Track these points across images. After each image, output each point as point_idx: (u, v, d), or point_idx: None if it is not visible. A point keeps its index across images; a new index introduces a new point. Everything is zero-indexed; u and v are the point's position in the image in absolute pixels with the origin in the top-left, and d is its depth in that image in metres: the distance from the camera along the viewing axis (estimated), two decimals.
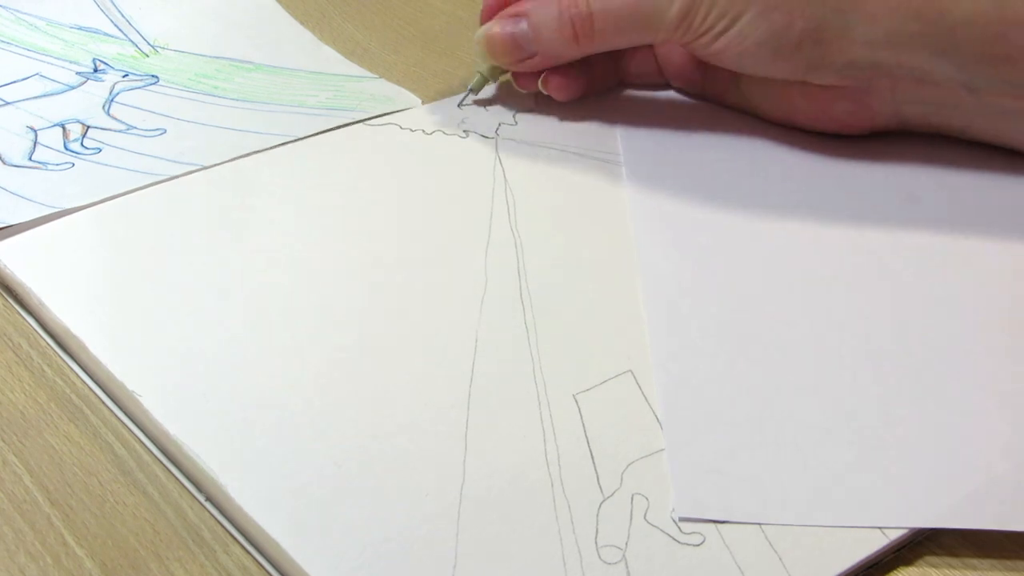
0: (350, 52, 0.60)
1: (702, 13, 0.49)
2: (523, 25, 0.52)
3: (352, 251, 0.47)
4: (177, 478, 0.39)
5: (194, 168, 0.49)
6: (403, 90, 0.57)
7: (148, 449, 0.40)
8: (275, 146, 0.51)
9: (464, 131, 0.54)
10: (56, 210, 0.47)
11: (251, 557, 0.37)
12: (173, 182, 0.49)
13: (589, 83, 0.55)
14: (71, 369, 0.43)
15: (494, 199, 0.50)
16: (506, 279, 0.46)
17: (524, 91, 0.55)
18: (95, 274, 0.45)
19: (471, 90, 0.55)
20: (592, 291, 0.46)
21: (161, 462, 0.40)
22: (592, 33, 0.51)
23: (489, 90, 0.57)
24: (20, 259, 0.45)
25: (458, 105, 0.55)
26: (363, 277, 0.46)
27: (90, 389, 0.42)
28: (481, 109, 0.56)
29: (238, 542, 0.38)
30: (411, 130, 0.54)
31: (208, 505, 0.39)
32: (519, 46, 0.52)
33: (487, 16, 0.53)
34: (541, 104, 0.56)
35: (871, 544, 0.38)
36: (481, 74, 0.55)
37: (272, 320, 0.44)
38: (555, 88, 0.54)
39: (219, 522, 0.38)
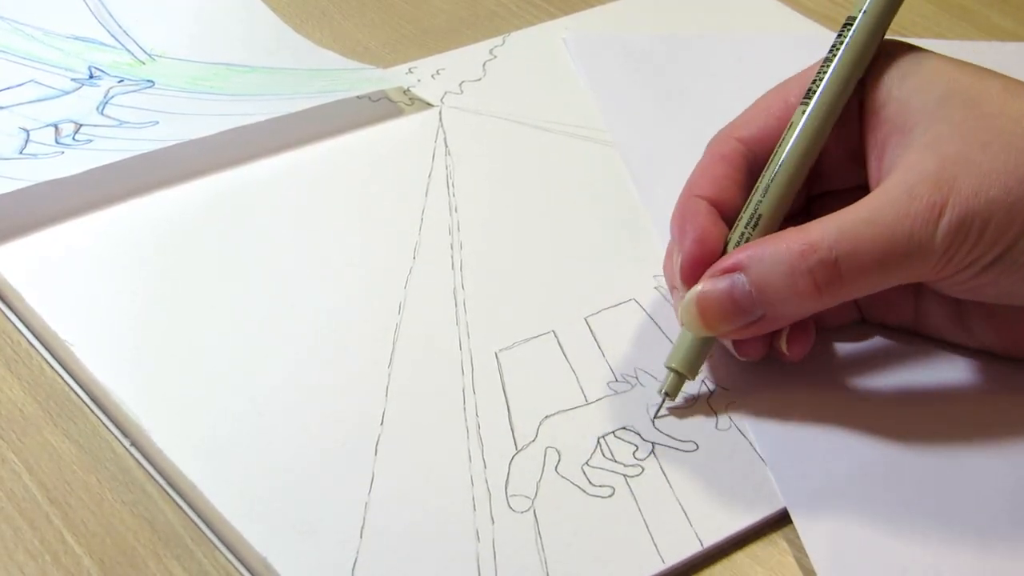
0: (350, 51, 0.59)
1: (971, 241, 0.39)
2: (741, 280, 0.40)
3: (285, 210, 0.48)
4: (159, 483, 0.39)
5: (182, 141, 0.49)
6: (396, 71, 0.57)
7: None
8: (265, 120, 0.51)
9: (410, 99, 0.55)
10: (36, 183, 0.46)
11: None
12: (161, 193, 0.49)
13: (816, 333, 0.44)
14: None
15: (434, 165, 0.51)
16: (439, 242, 0.47)
17: (744, 359, 0.43)
18: (87, 282, 0.45)
19: (666, 394, 0.42)
20: (522, 254, 0.47)
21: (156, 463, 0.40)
22: (840, 281, 0.39)
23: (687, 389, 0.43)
24: (14, 266, 0.45)
25: (653, 419, 0.42)
26: (293, 238, 0.47)
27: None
28: (428, 79, 0.56)
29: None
30: (357, 97, 0.54)
31: (189, 510, 0.38)
32: (742, 309, 0.40)
33: (689, 275, 0.41)
34: (489, 75, 0.56)
35: (774, 504, 0.39)
36: (675, 371, 0.41)
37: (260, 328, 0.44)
38: (799, 350, 0.42)
39: (198, 527, 0.38)
